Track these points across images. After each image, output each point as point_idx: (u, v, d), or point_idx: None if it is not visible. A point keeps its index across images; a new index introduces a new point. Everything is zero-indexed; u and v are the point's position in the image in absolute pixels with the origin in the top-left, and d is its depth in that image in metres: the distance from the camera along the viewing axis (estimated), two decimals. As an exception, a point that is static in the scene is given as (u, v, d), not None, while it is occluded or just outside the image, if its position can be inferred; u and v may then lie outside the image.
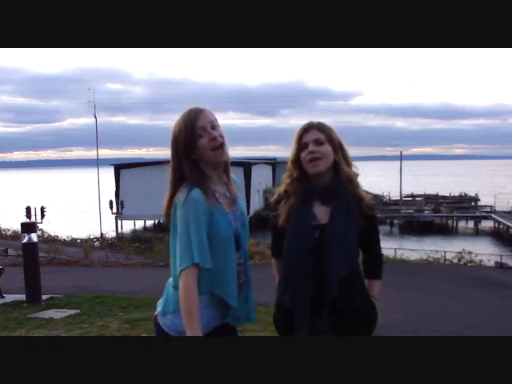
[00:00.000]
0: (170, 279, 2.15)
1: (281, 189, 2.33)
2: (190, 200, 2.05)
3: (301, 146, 2.25)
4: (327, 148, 2.22)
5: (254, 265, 12.57)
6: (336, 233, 2.16)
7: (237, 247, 2.15)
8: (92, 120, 35.34)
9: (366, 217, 2.22)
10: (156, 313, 2.16)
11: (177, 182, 2.11)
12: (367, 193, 2.28)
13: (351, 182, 2.24)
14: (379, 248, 2.39)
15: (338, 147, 2.25)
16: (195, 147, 2.08)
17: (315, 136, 2.23)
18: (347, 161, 2.28)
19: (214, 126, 2.11)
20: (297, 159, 2.27)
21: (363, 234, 2.24)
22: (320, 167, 2.21)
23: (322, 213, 2.21)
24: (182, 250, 2.03)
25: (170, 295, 2.14)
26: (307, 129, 2.27)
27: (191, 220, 2.03)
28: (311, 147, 2.21)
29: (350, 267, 2.18)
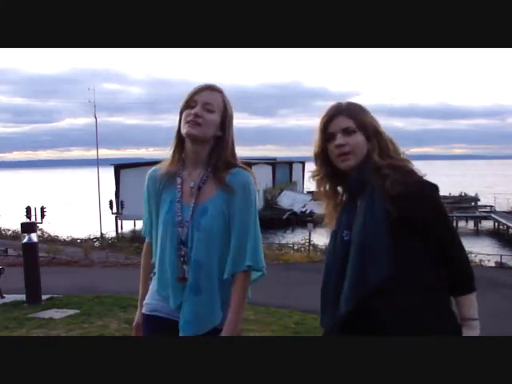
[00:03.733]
0: None
1: (317, 192, 1.99)
2: (147, 173, 2.18)
3: (327, 136, 1.87)
4: (358, 138, 1.83)
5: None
6: (356, 238, 1.77)
7: (180, 242, 2.03)
8: (90, 120, 35.34)
9: (399, 203, 1.70)
10: None
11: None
12: (413, 183, 1.75)
13: (378, 171, 1.79)
14: (450, 243, 1.78)
15: (372, 134, 1.84)
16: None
17: (343, 124, 1.84)
18: (382, 149, 1.84)
19: (208, 109, 2.02)
20: (322, 152, 1.89)
21: (405, 229, 1.72)
22: (350, 162, 1.83)
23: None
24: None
25: None
26: (332, 116, 1.87)
27: (143, 193, 2.17)
28: (339, 139, 1.83)
29: (376, 277, 1.70)
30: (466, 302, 1.75)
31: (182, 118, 2.05)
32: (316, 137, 1.90)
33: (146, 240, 2.24)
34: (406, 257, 1.73)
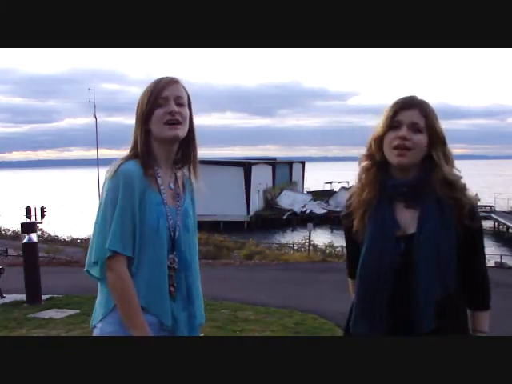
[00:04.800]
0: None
1: (358, 178, 1.85)
2: (121, 171, 1.81)
3: (392, 123, 1.75)
4: (423, 139, 1.74)
5: (255, 265, 12.57)
6: (427, 246, 1.69)
7: (171, 247, 1.88)
8: (89, 120, 35.33)
9: (466, 229, 1.71)
10: (91, 327, 1.94)
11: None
12: (472, 199, 1.76)
13: (450, 184, 1.74)
14: (483, 269, 1.85)
15: (438, 141, 1.75)
16: (151, 116, 1.87)
17: (415, 118, 1.74)
18: (448, 160, 1.77)
19: (180, 103, 1.89)
20: (380, 138, 1.78)
21: (462, 250, 1.73)
22: (405, 159, 1.73)
23: (407, 219, 1.75)
24: (102, 233, 1.80)
25: (99, 292, 1.90)
26: (408, 105, 1.76)
27: (115, 196, 1.79)
28: (404, 131, 1.72)
29: (444, 291, 1.69)
30: (484, 316, 1.85)
31: (156, 118, 1.86)
32: (380, 120, 1.79)
33: (121, 257, 1.80)
34: (455, 273, 1.76)
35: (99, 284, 1.91)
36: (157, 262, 1.85)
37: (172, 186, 1.94)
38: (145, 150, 1.87)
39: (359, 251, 1.81)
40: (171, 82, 1.91)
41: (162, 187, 1.89)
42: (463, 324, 1.79)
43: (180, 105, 1.89)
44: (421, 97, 1.81)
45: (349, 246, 1.94)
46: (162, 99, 1.87)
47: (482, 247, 1.84)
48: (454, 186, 1.75)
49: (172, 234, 1.88)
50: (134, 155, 1.88)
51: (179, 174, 2.00)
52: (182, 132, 1.90)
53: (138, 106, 1.92)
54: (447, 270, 1.70)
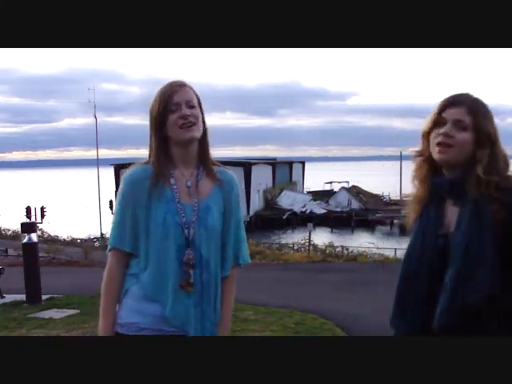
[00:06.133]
0: None
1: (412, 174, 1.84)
2: (126, 177, 2.00)
3: (438, 120, 1.74)
4: (467, 136, 1.70)
5: (254, 265, 12.56)
6: (461, 246, 1.65)
7: (185, 242, 1.94)
8: (89, 120, 35.45)
9: (505, 230, 1.64)
10: None
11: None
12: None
13: (488, 184, 1.67)
14: None
15: (485, 141, 1.70)
16: (165, 122, 1.95)
17: (459, 116, 1.71)
18: (492, 162, 1.69)
19: (191, 106, 1.97)
20: (427, 134, 1.77)
21: (504, 252, 1.64)
22: (446, 156, 1.71)
23: (451, 217, 1.72)
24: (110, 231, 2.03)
25: None
26: (454, 102, 1.73)
27: (119, 198, 1.99)
28: (446, 128, 1.70)
29: (479, 294, 1.61)
30: None
31: (170, 124, 1.94)
32: (429, 116, 1.78)
33: (117, 251, 2.00)
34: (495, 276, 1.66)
35: None
36: (162, 256, 1.93)
37: (189, 183, 2.00)
38: (158, 153, 1.97)
39: None
40: (179, 87, 1.97)
41: (174, 186, 1.97)
42: (499, 327, 1.65)
43: (191, 107, 1.96)
44: (474, 95, 1.77)
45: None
46: (173, 105, 1.94)
47: None
48: (492, 186, 1.67)
49: (186, 230, 1.94)
50: (149, 160, 2.00)
51: (202, 172, 2.05)
52: (197, 132, 1.98)
53: (150, 114, 2.00)
54: (481, 270, 1.62)
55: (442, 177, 1.75)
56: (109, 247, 2.03)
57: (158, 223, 1.93)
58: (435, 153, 1.73)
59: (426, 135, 1.78)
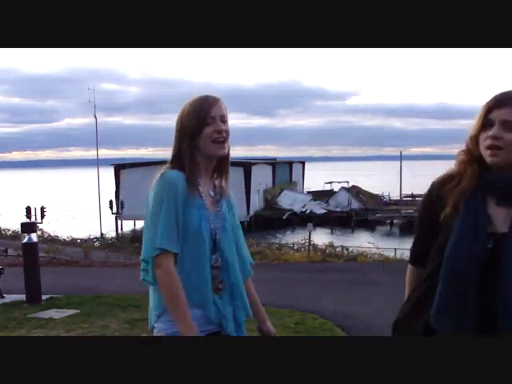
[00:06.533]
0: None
1: (454, 168, 1.79)
2: (166, 178, 2.00)
3: (485, 122, 1.69)
4: None
5: (254, 265, 12.52)
6: None
7: (213, 248, 2.06)
8: (89, 120, 35.51)
9: None
10: (150, 328, 2.08)
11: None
12: None
13: None
14: None
15: None
16: (200, 134, 2.04)
17: (505, 116, 1.66)
18: None
19: (224, 121, 2.08)
20: (476, 137, 1.73)
21: None
22: (497, 159, 1.67)
23: (499, 216, 1.69)
24: (150, 233, 1.96)
25: (151, 297, 2.08)
26: (499, 103, 1.69)
27: (161, 200, 1.97)
28: (494, 130, 1.66)
29: None
30: None
31: (205, 136, 2.03)
32: (476, 119, 1.74)
33: (168, 254, 1.96)
34: None
35: (151, 289, 2.06)
36: (198, 260, 2.01)
37: (211, 193, 2.12)
38: (190, 162, 2.05)
39: (435, 235, 1.75)
40: (215, 101, 2.08)
41: (203, 194, 2.07)
42: None
43: (224, 122, 2.08)
44: None
45: (426, 226, 1.85)
46: (210, 118, 2.04)
47: None
48: None
49: (214, 235, 2.06)
50: (176, 166, 2.05)
51: (217, 182, 2.18)
52: (227, 149, 2.11)
53: (181, 123, 2.08)
54: None
55: (498, 175, 1.70)
56: (156, 251, 1.95)
57: (196, 229, 2.01)
58: (487, 156, 1.69)
59: (474, 139, 1.74)
